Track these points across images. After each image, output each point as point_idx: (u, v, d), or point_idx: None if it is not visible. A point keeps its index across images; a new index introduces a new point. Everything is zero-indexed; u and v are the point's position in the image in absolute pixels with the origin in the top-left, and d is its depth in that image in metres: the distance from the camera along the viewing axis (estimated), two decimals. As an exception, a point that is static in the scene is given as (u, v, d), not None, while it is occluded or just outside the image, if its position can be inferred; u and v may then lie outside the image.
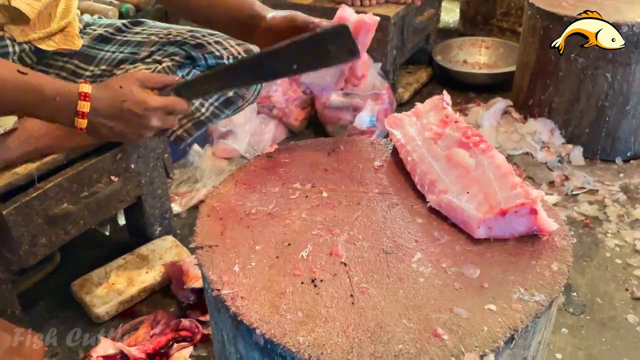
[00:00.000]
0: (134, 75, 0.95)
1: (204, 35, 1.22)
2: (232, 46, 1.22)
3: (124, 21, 1.29)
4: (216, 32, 1.23)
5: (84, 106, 0.91)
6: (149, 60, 1.21)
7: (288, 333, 0.66)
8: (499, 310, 0.68)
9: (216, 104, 1.26)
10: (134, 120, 0.93)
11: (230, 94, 1.26)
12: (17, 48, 1.12)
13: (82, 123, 0.92)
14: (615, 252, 1.52)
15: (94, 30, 1.27)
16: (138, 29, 1.27)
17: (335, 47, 0.91)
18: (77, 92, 0.91)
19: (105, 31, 1.26)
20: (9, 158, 1.09)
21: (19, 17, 1.09)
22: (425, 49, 2.49)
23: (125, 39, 1.25)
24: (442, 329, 0.66)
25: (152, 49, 1.22)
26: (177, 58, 1.21)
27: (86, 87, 0.91)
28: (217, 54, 1.21)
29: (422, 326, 0.67)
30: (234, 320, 0.70)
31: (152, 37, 1.24)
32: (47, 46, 1.16)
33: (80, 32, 1.25)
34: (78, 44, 1.21)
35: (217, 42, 1.22)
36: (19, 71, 0.89)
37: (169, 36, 1.23)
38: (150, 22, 1.31)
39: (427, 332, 0.66)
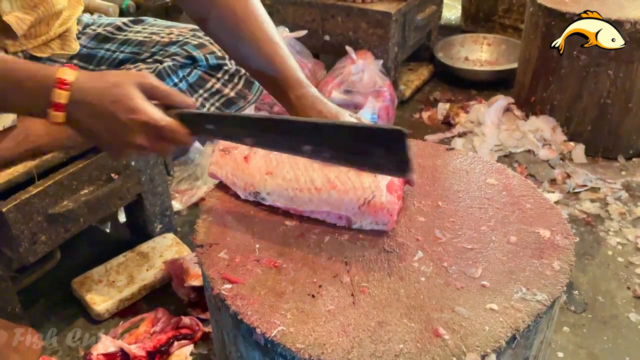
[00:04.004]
0: (138, 77, 0.77)
1: (205, 35, 1.21)
2: None
3: (124, 20, 1.28)
4: None
5: (60, 96, 0.72)
6: (149, 60, 1.20)
7: (288, 332, 0.66)
8: (501, 310, 0.68)
9: (217, 104, 1.25)
10: (116, 129, 0.74)
11: (232, 94, 1.24)
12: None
13: (57, 117, 0.73)
14: (617, 250, 1.51)
15: (94, 30, 1.26)
16: (139, 28, 1.26)
17: (381, 151, 0.73)
18: (54, 77, 0.71)
19: (105, 30, 1.25)
20: (8, 156, 1.08)
21: (8, 31, 1.04)
22: (427, 46, 2.48)
23: (125, 37, 1.24)
24: (443, 328, 0.66)
25: (153, 49, 1.21)
26: (178, 58, 1.20)
27: (68, 73, 0.72)
28: (219, 54, 1.20)
29: (423, 326, 0.66)
30: (234, 319, 0.70)
31: (154, 37, 1.22)
32: (43, 53, 1.14)
33: (79, 32, 1.24)
34: (75, 47, 1.19)
35: None
36: None
37: (171, 35, 1.22)
38: (151, 20, 1.30)
39: (429, 332, 0.66)
